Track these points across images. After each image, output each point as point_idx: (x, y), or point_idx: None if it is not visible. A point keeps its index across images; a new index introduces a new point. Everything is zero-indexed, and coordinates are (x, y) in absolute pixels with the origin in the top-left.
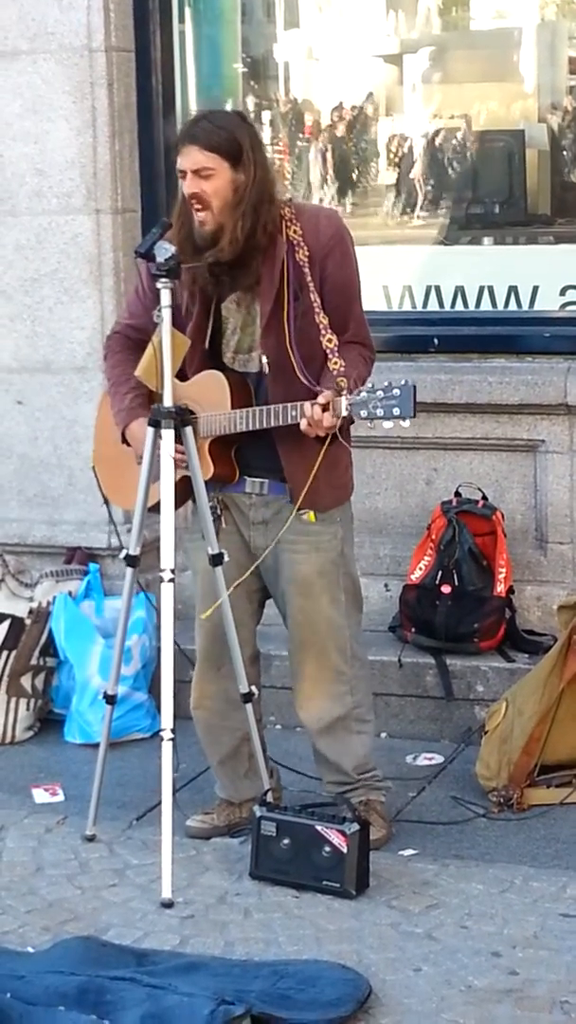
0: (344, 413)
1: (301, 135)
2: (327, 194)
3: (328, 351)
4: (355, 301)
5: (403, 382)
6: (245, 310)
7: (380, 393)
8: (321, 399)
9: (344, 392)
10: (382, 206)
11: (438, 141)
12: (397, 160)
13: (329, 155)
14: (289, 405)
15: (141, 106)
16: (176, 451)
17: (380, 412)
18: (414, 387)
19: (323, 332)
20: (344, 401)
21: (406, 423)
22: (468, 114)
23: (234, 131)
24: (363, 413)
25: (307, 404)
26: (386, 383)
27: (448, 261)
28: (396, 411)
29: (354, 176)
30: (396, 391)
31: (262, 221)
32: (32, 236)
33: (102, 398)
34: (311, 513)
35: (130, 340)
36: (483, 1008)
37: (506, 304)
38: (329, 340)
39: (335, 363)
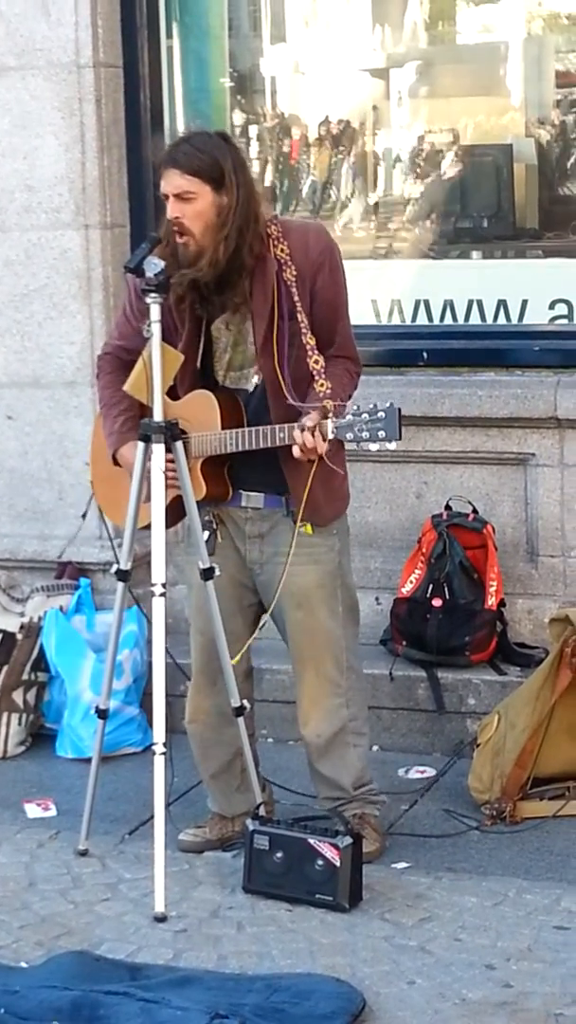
0: (330, 436)
1: (288, 150)
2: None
3: (315, 372)
4: (343, 315)
5: (388, 404)
6: (236, 329)
7: (365, 416)
8: (308, 422)
9: (330, 415)
10: (371, 220)
11: (425, 155)
12: (384, 174)
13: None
14: (278, 427)
15: (129, 121)
16: (168, 469)
17: (366, 435)
18: (399, 410)
19: (310, 353)
20: (330, 424)
21: (392, 445)
22: (455, 128)
23: (215, 154)
24: (349, 436)
25: (296, 430)
26: (371, 405)
27: (437, 275)
28: (381, 434)
29: (342, 190)
30: (381, 414)
31: (247, 242)
32: (21, 252)
33: (97, 416)
34: (308, 526)
35: (121, 360)
36: (477, 1021)
37: (495, 318)
38: (316, 361)
39: (322, 385)
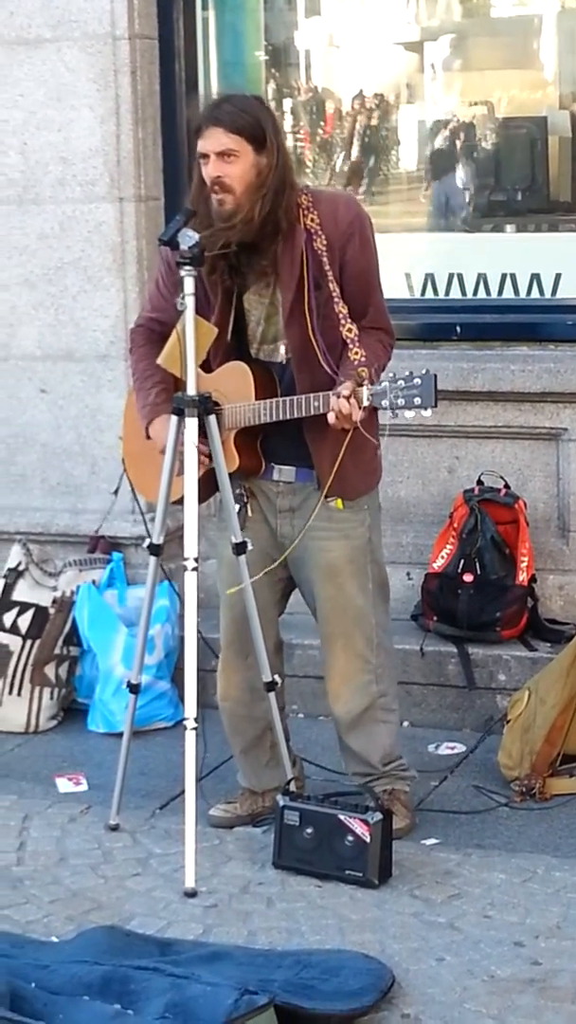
0: (365, 403)
1: (323, 123)
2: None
3: (348, 340)
4: (374, 287)
5: (424, 371)
6: (268, 301)
7: (401, 383)
8: (344, 390)
9: (365, 382)
10: (404, 194)
11: (459, 128)
12: (418, 148)
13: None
14: (311, 396)
15: (164, 94)
16: (200, 445)
17: (401, 402)
18: (435, 376)
19: (343, 321)
20: (365, 391)
21: (428, 412)
22: (490, 101)
23: (257, 115)
24: (384, 403)
25: (332, 396)
26: (407, 372)
27: (470, 248)
28: (417, 400)
29: (376, 164)
30: (417, 380)
31: (283, 205)
32: (56, 224)
33: (130, 392)
34: (339, 500)
35: (154, 333)
36: (506, 998)
37: (528, 292)
38: (349, 330)
39: (356, 353)
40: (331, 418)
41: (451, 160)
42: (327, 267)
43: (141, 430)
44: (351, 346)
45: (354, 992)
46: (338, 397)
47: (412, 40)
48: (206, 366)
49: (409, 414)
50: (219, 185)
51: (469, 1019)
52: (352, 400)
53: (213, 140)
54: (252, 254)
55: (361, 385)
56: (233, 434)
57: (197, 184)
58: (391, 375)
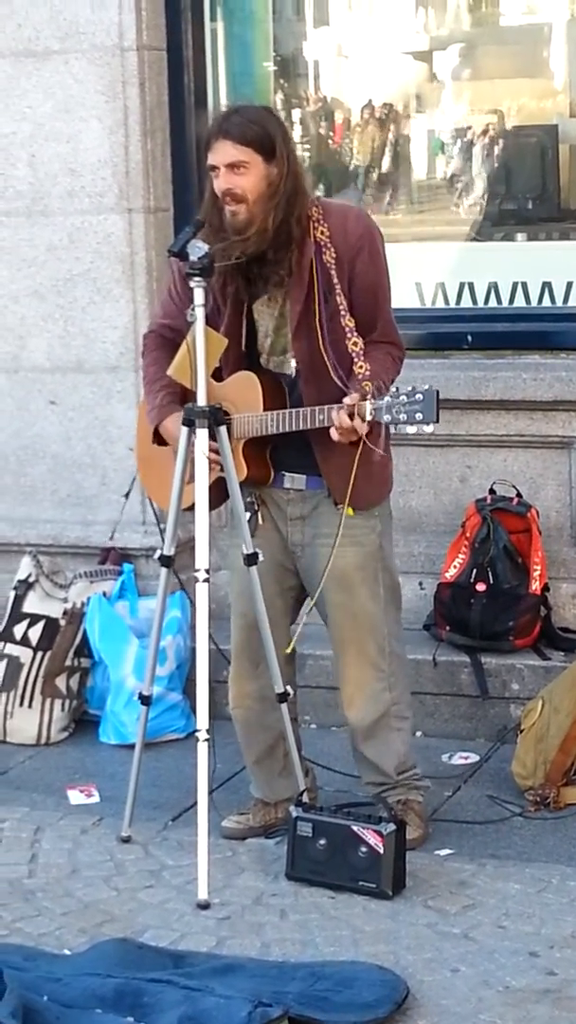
0: (368, 417)
1: (332, 133)
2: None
3: (354, 355)
4: (384, 301)
5: (426, 387)
6: (277, 312)
7: (403, 398)
8: (347, 400)
9: (368, 397)
10: (414, 203)
11: (469, 137)
12: (428, 157)
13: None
14: (317, 409)
15: (173, 105)
16: (210, 451)
17: (403, 417)
18: (436, 392)
19: (349, 335)
20: (368, 406)
21: (429, 428)
22: (499, 110)
23: (266, 125)
24: (387, 417)
25: (334, 410)
26: (409, 388)
27: (481, 257)
28: (419, 416)
29: (385, 173)
30: (419, 396)
31: (295, 214)
32: (65, 236)
33: (141, 403)
34: (349, 508)
35: (165, 339)
36: (521, 1008)
37: (540, 300)
38: (355, 343)
39: (360, 367)
40: (333, 434)
41: (461, 169)
42: (335, 280)
43: (149, 435)
44: (356, 360)
45: (368, 1004)
46: (340, 412)
47: (421, 49)
48: (217, 374)
49: (411, 429)
50: (231, 196)
51: None
52: (355, 415)
53: (222, 152)
54: (263, 264)
55: (365, 399)
56: (241, 444)
57: (210, 196)
58: (394, 389)
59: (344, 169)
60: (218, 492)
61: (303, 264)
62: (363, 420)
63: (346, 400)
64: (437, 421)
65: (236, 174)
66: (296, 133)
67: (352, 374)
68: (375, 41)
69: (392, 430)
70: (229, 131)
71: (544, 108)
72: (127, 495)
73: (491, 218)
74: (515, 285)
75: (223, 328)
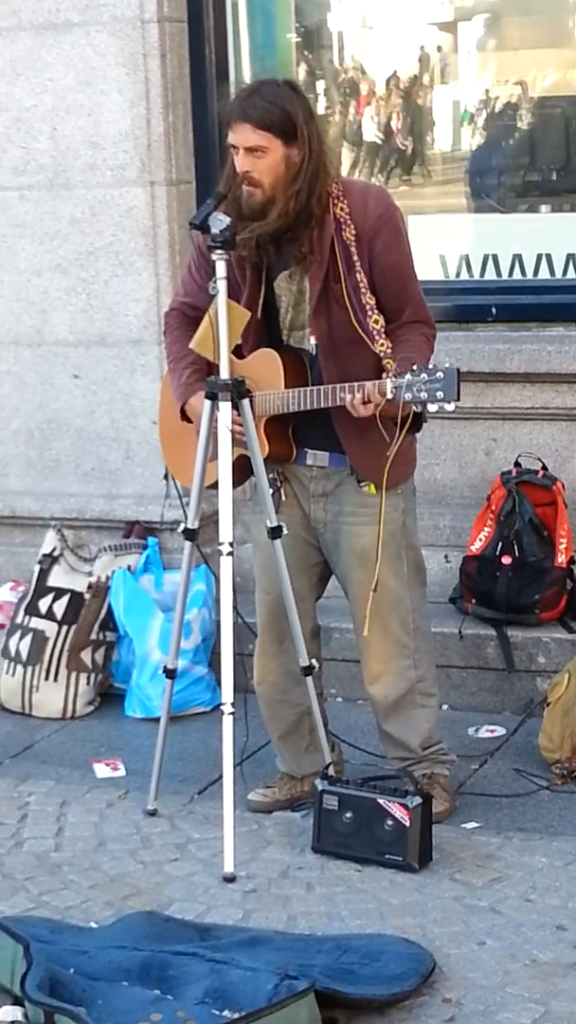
0: (389, 396)
1: (355, 105)
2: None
3: (375, 332)
4: (410, 281)
5: (447, 365)
6: (296, 288)
7: (424, 376)
8: (368, 384)
9: (389, 375)
10: (438, 175)
11: (494, 108)
12: (452, 129)
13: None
14: (338, 386)
15: (194, 77)
16: (234, 423)
17: (424, 395)
18: (457, 370)
19: (370, 312)
20: (389, 384)
21: (450, 407)
22: (524, 81)
23: (286, 106)
24: (407, 396)
25: (354, 389)
26: (430, 366)
27: (505, 229)
28: (439, 394)
29: (409, 145)
30: (440, 374)
31: (316, 193)
32: (87, 209)
33: (165, 377)
34: (371, 486)
35: (187, 317)
36: (548, 982)
37: (564, 272)
38: (376, 321)
39: (382, 345)
40: (359, 410)
41: (485, 141)
42: (355, 258)
43: (176, 413)
44: (377, 337)
45: (395, 977)
46: (357, 391)
47: (446, 20)
48: (237, 352)
49: (432, 407)
50: (248, 179)
51: (511, 1003)
52: (374, 392)
53: (242, 135)
54: (283, 241)
55: (386, 378)
56: (263, 421)
57: (230, 171)
58: (414, 368)
59: (367, 141)
60: (241, 470)
61: (323, 241)
62: (383, 397)
63: (367, 384)
64: (458, 399)
65: (255, 157)
66: (319, 105)
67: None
68: (399, 12)
69: (415, 408)
70: (249, 114)
71: (570, 79)
72: (165, 476)
73: (515, 190)
74: (539, 257)
75: (243, 303)
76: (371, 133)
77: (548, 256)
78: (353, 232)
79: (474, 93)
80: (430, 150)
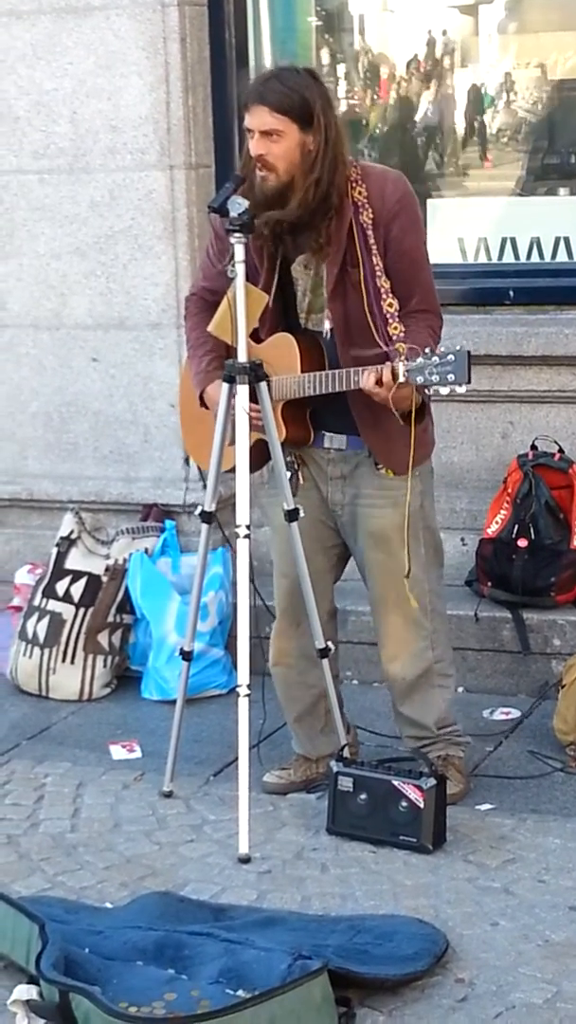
0: (402, 379)
1: (377, 88)
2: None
3: (388, 316)
4: (422, 268)
5: (458, 347)
6: (314, 272)
7: (435, 359)
8: (381, 367)
9: (401, 358)
10: (458, 158)
11: (513, 91)
12: (472, 112)
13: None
14: (353, 370)
15: (214, 60)
16: (251, 410)
17: (436, 378)
18: (468, 353)
19: (384, 296)
20: (402, 367)
21: (461, 389)
22: (544, 63)
23: (304, 92)
24: (419, 379)
25: (367, 373)
26: (442, 348)
27: (524, 212)
28: (451, 377)
29: (429, 128)
30: (451, 356)
31: (335, 183)
32: (106, 193)
33: (186, 362)
34: (388, 470)
35: (207, 302)
36: (560, 962)
37: None
38: (390, 304)
39: (395, 328)
40: (374, 391)
41: (504, 124)
42: (372, 241)
43: (195, 398)
44: (391, 320)
45: (408, 957)
46: (369, 375)
47: (467, 3)
48: (254, 336)
49: (444, 390)
50: (262, 163)
51: (523, 983)
52: (387, 376)
53: (259, 118)
54: (301, 227)
55: (399, 361)
56: (280, 405)
57: (246, 155)
58: (426, 351)
59: (388, 124)
60: (258, 454)
61: (342, 226)
62: (395, 380)
63: (380, 366)
64: (469, 382)
65: (269, 141)
66: (340, 89)
67: (388, 336)
68: None
69: (428, 392)
70: (266, 97)
71: None
72: (187, 460)
73: (534, 173)
74: (558, 240)
75: (261, 287)
76: (391, 116)
77: (566, 239)
78: (371, 216)
79: (494, 76)
80: (450, 133)
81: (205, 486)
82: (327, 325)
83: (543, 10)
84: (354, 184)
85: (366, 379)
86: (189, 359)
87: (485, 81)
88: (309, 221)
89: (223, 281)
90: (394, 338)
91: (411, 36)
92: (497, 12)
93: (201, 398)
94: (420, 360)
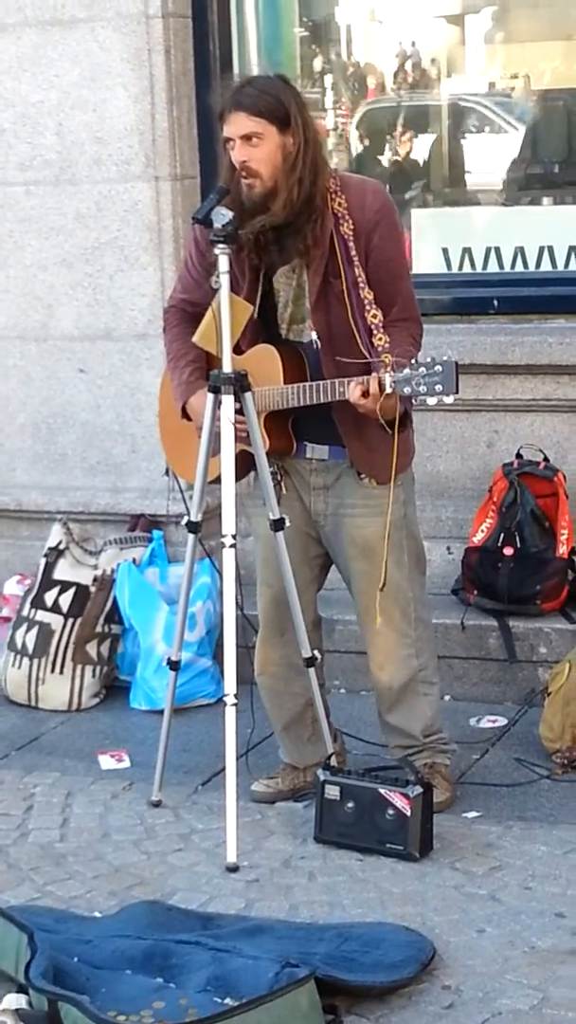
0: (388, 390)
1: (364, 98)
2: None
3: (373, 327)
4: (402, 277)
5: (445, 358)
6: (296, 283)
7: (423, 370)
8: (367, 378)
9: (388, 369)
10: (442, 167)
11: (498, 101)
12: (457, 122)
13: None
14: (337, 381)
15: (199, 72)
16: (236, 421)
17: (423, 388)
18: (455, 364)
19: (368, 307)
20: (388, 378)
21: (449, 399)
22: (528, 73)
23: (279, 94)
24: (406, 390)
25: (351, 383)
26: (428, 359)
27: (508, 222)
28: (438, 387)
29: (415, 138)
30: (438, 367)
31: (318, 184)
32: (92, 204)
33: (165, 371)
34: (373, 480)
35: (187, 314)
36: (547, 969)
37: (566, 264)
38: (374, 315)
39: (380, 339)
40: (359, 404)
41: (489, 133)
42: (353, 253)
43: (177, 410)
44: (375, 331)
45: (395, 964)
46: (354, 388)
47: (453, 13)
48: (236, 348)
49: (431, 401)
50: (246, 170)
51: (510, 990)
52: (374, 387)
53: (236, 124)
54: (284, 235)
55: (384, 371)
56: (263, 417)
57: (228, 168)
58: (412, 361)
59: (375, 134)
60: (242, 464)
61: (324, 236)
62: (381, 392)
63: (369, 379)
64: (457, 392)
65: (251, 146)
66: (328, 99)
67: (372, 346)
68: (407, 5)
69: (414, 402)
70: (242, 102)
71: (574, 72)
72: (167, 472)
73: (518, 182)
74: (542, 249)
75: (243, 298)
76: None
77: (550, 248)
78: (351, 227)
79: (480, 86)
80: (435, 143)
81: (190, 497)
82: (312, 336)
83: (528, 21)
84: (333, 195)
85: (352, 391)
86: (169, 371)
87: (471, 91)
88: (294, 224)
89: (202, 293)
90: (379, 349)
91: (398, 46)
92: (483, 23)
93: (184, 410)
94: (407, 371)
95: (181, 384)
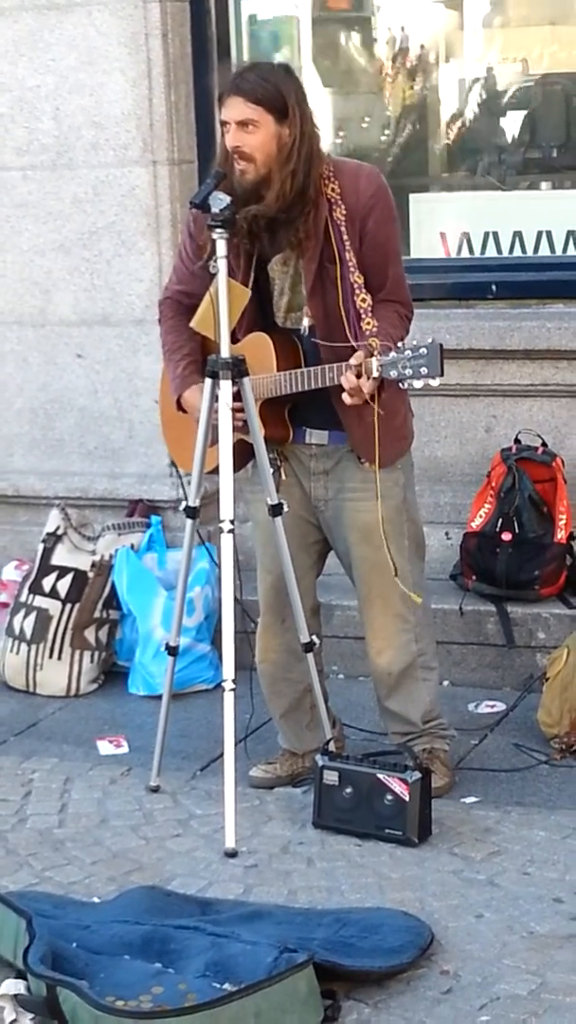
0: (375, 375)
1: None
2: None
3: (362, 311)
4: (393, 260)
5: (429, 341)
6: (292, 270)
7: (408, 353)
8: (353, 360)
9: (375, 353)
10: (441, 152)
11: (496, 86)
12: (455, 106)
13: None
14: (328, 367)
15: (197, 56)
16: (233, 407)
17: (409, 372)
18: (440, 346)
19: (357, 292)
20: (375, 363)
21: (435, 382)
22: (527, 57)
23: (280, 84)
24: (393, 373)
25: (342, 369)
26: (413, 342)
27: (506, 206)
28: (424, 370)
29: (413, 122)
30: (423, 350)
31: (312, 176)
32: (89, 189)
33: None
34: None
35: (182, 305)
36: (545, 954)
37: (564, 249)
38: (363, 300)
39: (368, 323)
40: (345, 397)
41: (487, 118)
42: (346, 237)
43: (173, 402)
44: (364, 316)
45: (393, 949)
46: (347, 369)
47: None
48: (231, 336)
49: (418, 384)
50: (239, 155)
51: (508, 975)
52: (363, 372)
53: (234, 109)
54: (278, 224)
55: (372, 356)
56: (259, 405)
57: (222, 151)
58: (398, 345)
59: (373, 118)
60: (241, 453)
61: (318, 223)
62: (369, 377)
63: (351, 360)
64: (441, 375)
65: (245, 132)
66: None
67: (360, 331)
68: None
69: (402, 386)
70: (242, 88)
71: (573, 56)
72: (172, 464)
73: (516, 167)
74: (540, 234)
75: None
76: (376, 111)
77: (548, 233)
78: (344, 212)
79: (478, 70)
80: (434, 128)
81: (188, 482)
82: (306, 322)
83: (527, 5)
84: (326, 181)
85: (348, 377)
86: (165, 363)
87: (469, 75)
88: (286, 216)
89: (197, 283)
90: (367, 333)
91: (397, 30)
92: (482, 7)
93: (179, 403)
94: (393, 355)
95: (176, 378)
